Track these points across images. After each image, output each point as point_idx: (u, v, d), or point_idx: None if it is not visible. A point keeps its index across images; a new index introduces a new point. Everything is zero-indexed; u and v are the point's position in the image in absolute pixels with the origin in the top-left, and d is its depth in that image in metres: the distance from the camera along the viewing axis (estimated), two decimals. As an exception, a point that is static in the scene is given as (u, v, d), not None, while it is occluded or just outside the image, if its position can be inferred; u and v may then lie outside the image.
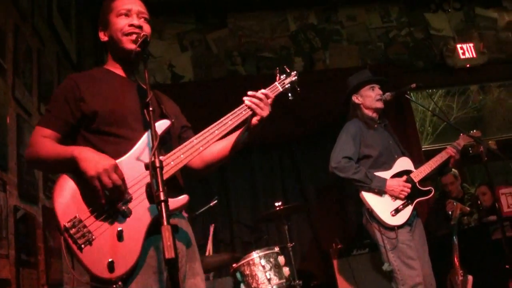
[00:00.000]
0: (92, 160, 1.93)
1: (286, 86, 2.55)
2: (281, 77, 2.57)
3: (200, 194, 5.84)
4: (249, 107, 2.30)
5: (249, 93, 2.33)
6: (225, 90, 5.75)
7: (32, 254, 3.47)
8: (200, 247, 4.65)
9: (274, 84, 2.51)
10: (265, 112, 2.30)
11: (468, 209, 5.45)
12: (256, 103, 2.29)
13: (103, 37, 2.35)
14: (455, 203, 5.18)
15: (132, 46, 2.19)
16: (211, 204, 4.86)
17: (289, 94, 2.58)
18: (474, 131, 4.34)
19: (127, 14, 2.28)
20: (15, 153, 3.38)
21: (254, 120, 2.31)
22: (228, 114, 2.29)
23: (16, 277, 3.12)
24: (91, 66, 4.76)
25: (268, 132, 5.76)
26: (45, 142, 2.10)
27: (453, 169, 5.93)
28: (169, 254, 1.58)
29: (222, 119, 2.27)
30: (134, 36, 2.19)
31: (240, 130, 2.37)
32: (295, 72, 2.64)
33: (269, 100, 2.35)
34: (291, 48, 6.69)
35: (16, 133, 3.44)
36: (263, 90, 2.36)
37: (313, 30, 6.83)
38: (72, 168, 1.97)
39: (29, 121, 3.67)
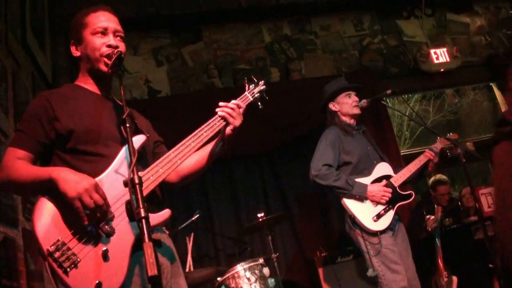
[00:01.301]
0: (72, 180, 1.88)
1: (256, 95, 2.62)
2: (250, 87, 2.63)
3: (180, 209, 5.79)
4: (222, 117, 2.35)
5: (221, 104, 2.39)
6: (203, 103, 5.71)
7: (14, 279, 3.40)
8: (183, 264, 4.61)
9: (244, 94, 2.58)
10: (237, 121, 2.35)
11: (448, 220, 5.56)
12: (229, 112, 2.35)
13: (75, 51, 2.31)
14: (436, 206, 5.22)
15: (105, 69, 2.20)
16: (193, 218, 4.83)
17: (259, 103, 2.64)
18: (451, 133, 4.40)
19: (103, 33, 2.24)
20: (-8, 176, 3.32)
21: (228, 130, 2.36)
22: (203, 126, 2.33)
23: (-2, 302, 3.07)
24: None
25: (247, 143, 5.77)
26: (19, 164, 2.04)
27: (445, 177, 6.03)
28: (152, 271, 1.56)
29: (196, 131, 2.30)
30: (109, 60, 2.17)
31: (215, 140, 2.43)
32: (263, 81, 2.73)
33: (241, 110, 2.41)
34: (267, 59, 6.71)
35: (-7, 156, 3.39)
36: (234, 101, 2.41)
37: (287, 41, 6.87)
38: (49, 189, 1.92)
39: (5, 143, 3.62)
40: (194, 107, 5.70)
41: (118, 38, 2.28)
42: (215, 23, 6.69)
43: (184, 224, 4.80)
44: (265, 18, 6.88)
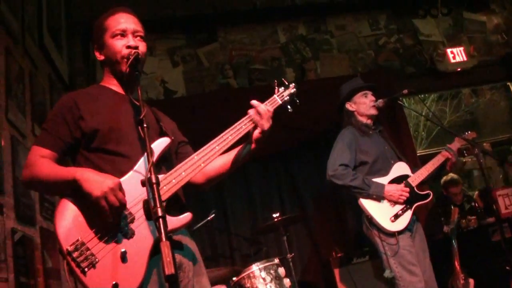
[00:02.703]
0: (96, 180, 1.89)
1: (285, 98, 2.52)
2: (280, 89, 2.54)
3: (196, 208, 5.80)
4: (252, 119, 2.28)
5: (254, 102, 2.32)
6: (218, 104, 5.76)
7: (31, 277, 3.43)
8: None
9: (273, 97, 2.47)
10: (266, 125, 2.28)
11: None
12: (259, 116, 2.28)
13: (99, 56, 2.33)
14: (452, 207, 5.18)
15: (124, 69, 2.20)
16: (209, 218, 4.84)
17: (288, 107, 2.56)
18: (469, 132, 4.34)
19: (122, 35, 2.25)
20: (11, 176, 3.35)
21: (256, 133, 2.30)
22: (228, 129, 2.26)
23: (15, 300, 3.10)
24: (83, 86, 4.74)
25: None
26: (44, 162, 2.05)
27: (456, 176, 5.98)
28: (169, 270, 1.56)
29: (222, 134, 2.24)
30: (128, 61, 2.17)
31: (241, 145, 2.36)
32: (293, 84, 2.60)
33: (270, 113, 2.32)
34: (282, 59, 6.71)
35: (11, 155, 3.42)
36: (262, 105, 2.34)
37: (303, 41, 6.86)
38: (72, 190, 1.94)
39: (23, 143, 3.66)
40: (209, 108, 5.71)
41: (138, 38, 2.28)
42: (230, 23, 6.71)
43: (200, 224, 4.81)
44: (280, 18, 6.88)
